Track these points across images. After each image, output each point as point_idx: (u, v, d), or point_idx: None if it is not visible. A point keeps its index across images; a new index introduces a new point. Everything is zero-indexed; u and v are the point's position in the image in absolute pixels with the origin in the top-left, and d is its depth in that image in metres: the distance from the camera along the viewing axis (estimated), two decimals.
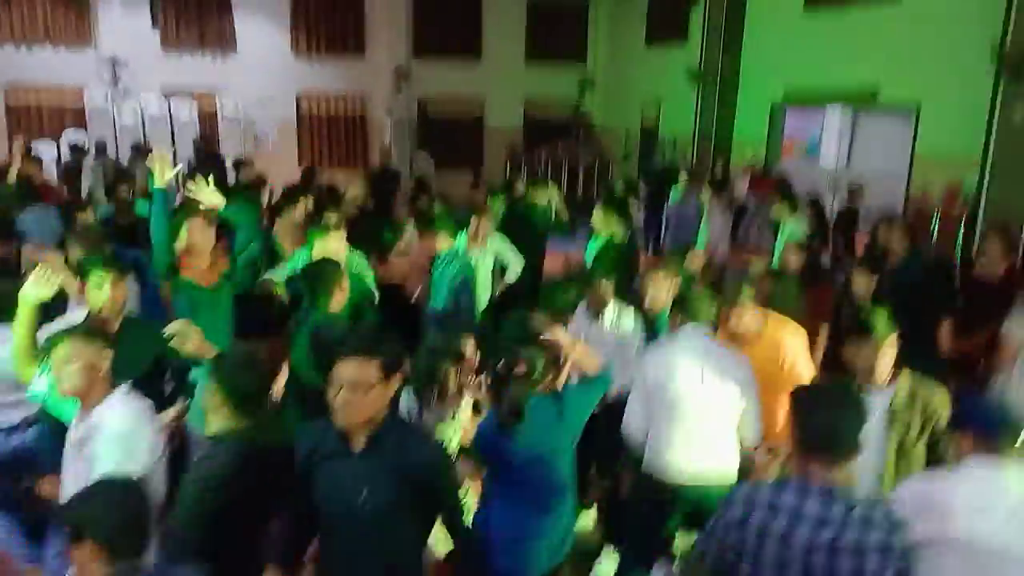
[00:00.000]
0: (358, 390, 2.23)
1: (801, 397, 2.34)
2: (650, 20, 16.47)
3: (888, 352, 3.01)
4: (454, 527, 2.64)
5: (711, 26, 13.54)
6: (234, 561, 2.57)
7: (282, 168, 12.88)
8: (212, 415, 2.71)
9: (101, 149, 12.07)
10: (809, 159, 14.59)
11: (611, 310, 4.53)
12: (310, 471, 2.44)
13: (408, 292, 6.15)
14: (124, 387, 2.84)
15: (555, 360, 3.12)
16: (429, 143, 16.86)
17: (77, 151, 12.27)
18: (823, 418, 2.22)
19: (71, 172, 11.81)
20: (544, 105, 17.87)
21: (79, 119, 14.79)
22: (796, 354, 3.93)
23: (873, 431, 2.96)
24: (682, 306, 3.73)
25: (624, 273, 5.10)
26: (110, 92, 14.86)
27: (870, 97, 10.48)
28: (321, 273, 4.10)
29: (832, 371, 3.33)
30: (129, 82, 15.04)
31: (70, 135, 14.07)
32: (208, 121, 15.36)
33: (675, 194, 9.59)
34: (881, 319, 3.01)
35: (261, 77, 16.00)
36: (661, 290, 4.46)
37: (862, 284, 4.94)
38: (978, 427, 2.43)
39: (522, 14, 17.52)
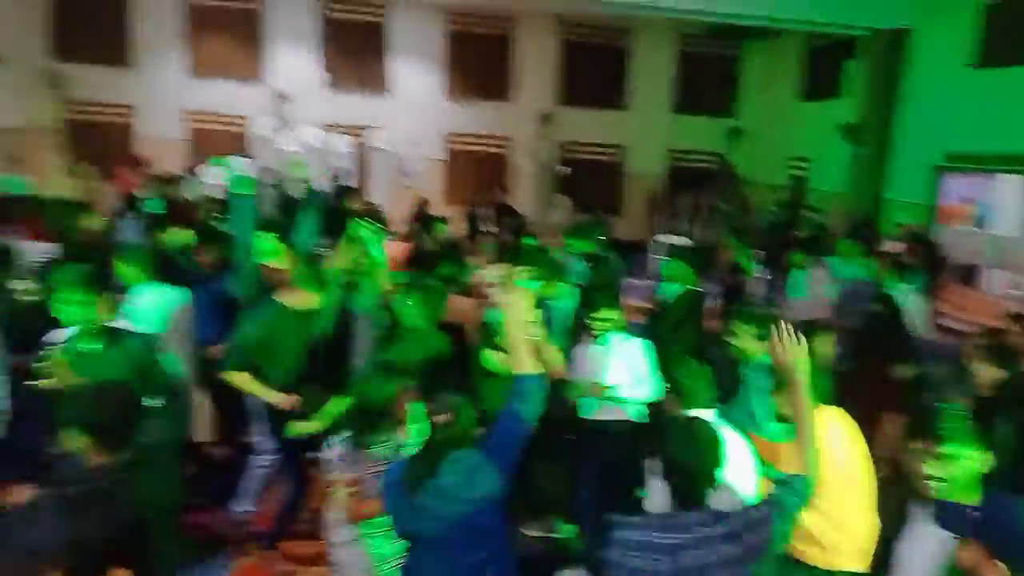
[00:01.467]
0: None
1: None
2: (804, 74, 16.04)
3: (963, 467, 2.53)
4: None
5: (867, 81, 12.97)
6: None
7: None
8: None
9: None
10: (980, 228, 13.60)
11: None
12: None
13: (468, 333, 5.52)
14: None
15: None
16: (569, 187, 16.99)
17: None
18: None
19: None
20: (688, 154, 17.69)
21: (245, 147, 15.92)
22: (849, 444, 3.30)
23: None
24: (675, 386, 3.44)
25: (691, 324, 4.83)
26: (275, 124, 15.92)
27: None
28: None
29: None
30: (292, 115, 16.09)
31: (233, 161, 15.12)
32: (361, 154, 16.15)
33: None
34: (961, 431, 2.55)
35: (413, 117, 16.71)
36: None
37: (986, 376, 4.16)
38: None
39: (670, 66, 17.50)
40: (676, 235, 15.77)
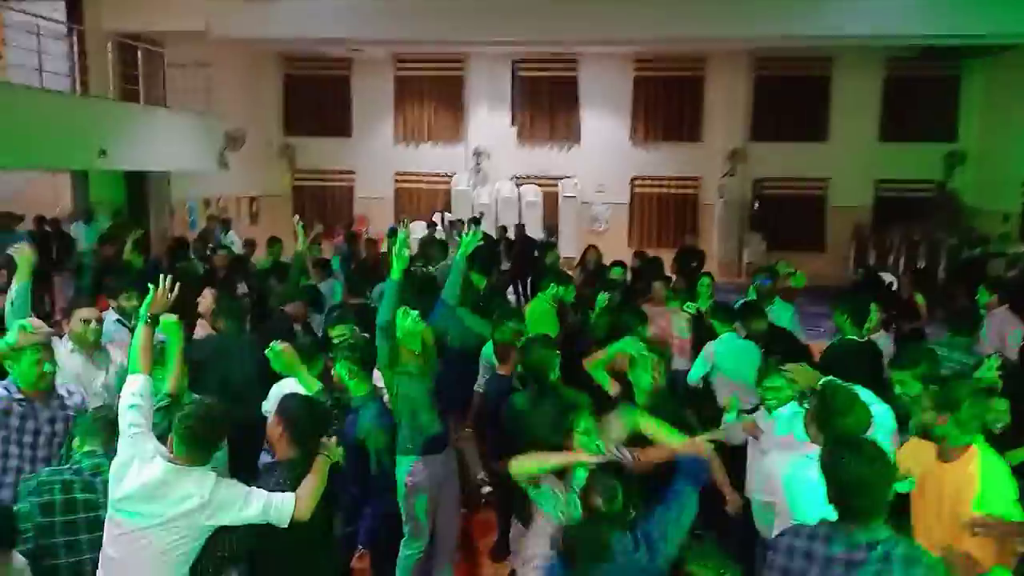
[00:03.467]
0: None
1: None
2: None
3: None
4: None
5: None
6: None
7: (613, 246, 13.49)
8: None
9: (454, 223, 13.96)
10: None
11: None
12: None
13: None
14: None
15: None
16: (765, 225, 16.35)
17: (431, 226, 14.22)
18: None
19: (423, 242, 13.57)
20: (899, 184, 16.40)
21: (446, 202, 17.11)
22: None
23: None
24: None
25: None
26: (472, 179, 16.97)
27: None
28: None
29: None
30: (489, 170, 17.07)
31: (436, 216, 16.21)
32: (551, 202, 16.71)
33: None
34: None
35: (600, 164, 17.14)
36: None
37: None
38: None
39: (876, 93, 16.48)
40: (885, 272, 14.57)
